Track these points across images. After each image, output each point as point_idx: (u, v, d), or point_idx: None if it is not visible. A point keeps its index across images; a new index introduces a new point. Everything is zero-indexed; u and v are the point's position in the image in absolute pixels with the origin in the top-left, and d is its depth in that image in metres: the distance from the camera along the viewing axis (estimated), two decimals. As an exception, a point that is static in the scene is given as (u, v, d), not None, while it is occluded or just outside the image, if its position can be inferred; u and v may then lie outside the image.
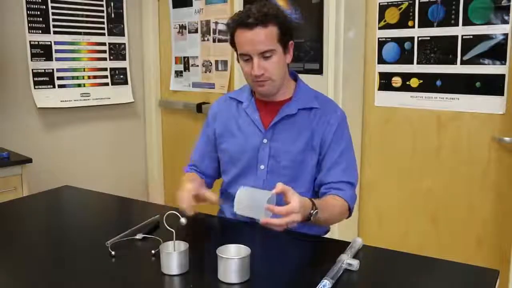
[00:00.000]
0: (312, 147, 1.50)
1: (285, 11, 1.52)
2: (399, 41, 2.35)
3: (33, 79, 2.82)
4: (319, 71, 2.44)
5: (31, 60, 2.81)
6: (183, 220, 1.16)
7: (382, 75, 2.43)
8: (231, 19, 1.46)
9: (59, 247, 1.35)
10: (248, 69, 1.45)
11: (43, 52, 2.86)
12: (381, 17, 2.39)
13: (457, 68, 2.19)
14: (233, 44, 1.48)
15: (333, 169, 1.49)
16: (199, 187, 1.45)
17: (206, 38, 3.08)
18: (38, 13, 2.82)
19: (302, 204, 1.21)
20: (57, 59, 2.93)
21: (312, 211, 1.26)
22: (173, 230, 1.14)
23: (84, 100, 3.07)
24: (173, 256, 1.11)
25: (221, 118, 1.61)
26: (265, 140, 1.51)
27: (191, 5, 3.12)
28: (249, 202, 1.22)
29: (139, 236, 1.32)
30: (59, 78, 2.94)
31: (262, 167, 1.51)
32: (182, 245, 1.14)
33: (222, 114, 1.61)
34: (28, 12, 2.78)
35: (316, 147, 1.50)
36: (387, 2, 2.36)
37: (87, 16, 3.05)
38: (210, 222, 1.56)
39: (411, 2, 2.28)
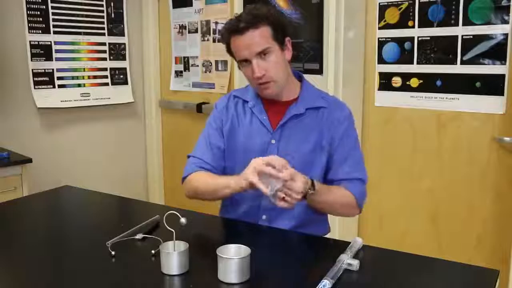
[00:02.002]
0: (321, 147, 1.50)
1: (277, 9, 1.52)
2: (399, 41, 2.35)
3: (33, 79, 2.82)
4: (319, 71, 2.44)
5: (31, 60, 2.80)
6: (183, 220, 1.16)
7: (382, 75, 2.43)
8: (223, 28, 1.48)
9: (59, 247, 1.35)
10: (249, 73, 1.46)
11: (43, 52, 2.86)
12: (381, 17, 2.39)
13: (457, 68, 2.19)
14: (230, 52, 1.49)
15: (342, 166, 1.50)
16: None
17: (206, 38, 3.08)
18: (38, 13, 2.82)
19: (305, 180, 1.32)
20: (57, 59, 2.92)
21: (310, 187, 1.33)
22: (173, 230, 1.14)
23: (84, 100, 3.07)
24: (173, 256, 1.11)
25: (228, 114, 1.59)
26: (273, 141, 1.51)
27: (191, 5, 3.12)
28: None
29: (139, 236, 1.32)
30: (59, 78, 2.94)
31: None
32: (182, 245, 1.14)
33: (229, 110, 1.60)
34: (28, 12, 2.77)
35: (325, 146, 1.50)
36: (387, 2, 2.36)
37: (87, 16, 3.05)
38: (210, 222, 1.56)
39: (411, 2, 2.28)
